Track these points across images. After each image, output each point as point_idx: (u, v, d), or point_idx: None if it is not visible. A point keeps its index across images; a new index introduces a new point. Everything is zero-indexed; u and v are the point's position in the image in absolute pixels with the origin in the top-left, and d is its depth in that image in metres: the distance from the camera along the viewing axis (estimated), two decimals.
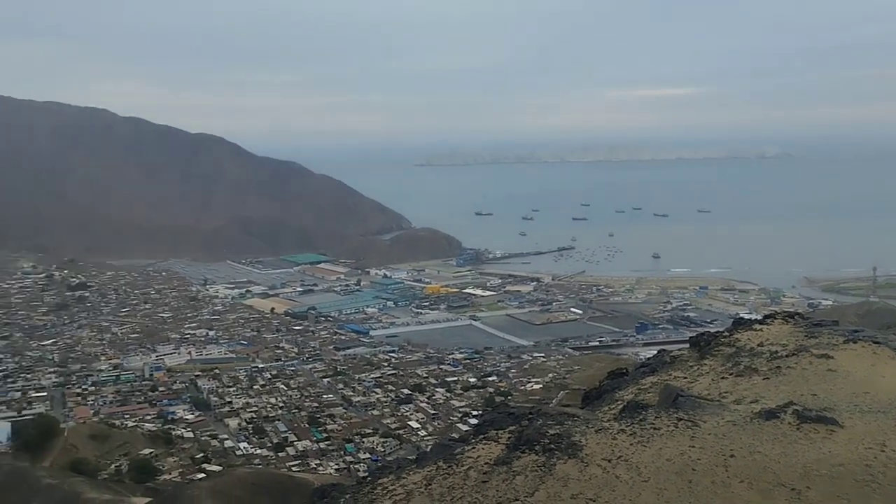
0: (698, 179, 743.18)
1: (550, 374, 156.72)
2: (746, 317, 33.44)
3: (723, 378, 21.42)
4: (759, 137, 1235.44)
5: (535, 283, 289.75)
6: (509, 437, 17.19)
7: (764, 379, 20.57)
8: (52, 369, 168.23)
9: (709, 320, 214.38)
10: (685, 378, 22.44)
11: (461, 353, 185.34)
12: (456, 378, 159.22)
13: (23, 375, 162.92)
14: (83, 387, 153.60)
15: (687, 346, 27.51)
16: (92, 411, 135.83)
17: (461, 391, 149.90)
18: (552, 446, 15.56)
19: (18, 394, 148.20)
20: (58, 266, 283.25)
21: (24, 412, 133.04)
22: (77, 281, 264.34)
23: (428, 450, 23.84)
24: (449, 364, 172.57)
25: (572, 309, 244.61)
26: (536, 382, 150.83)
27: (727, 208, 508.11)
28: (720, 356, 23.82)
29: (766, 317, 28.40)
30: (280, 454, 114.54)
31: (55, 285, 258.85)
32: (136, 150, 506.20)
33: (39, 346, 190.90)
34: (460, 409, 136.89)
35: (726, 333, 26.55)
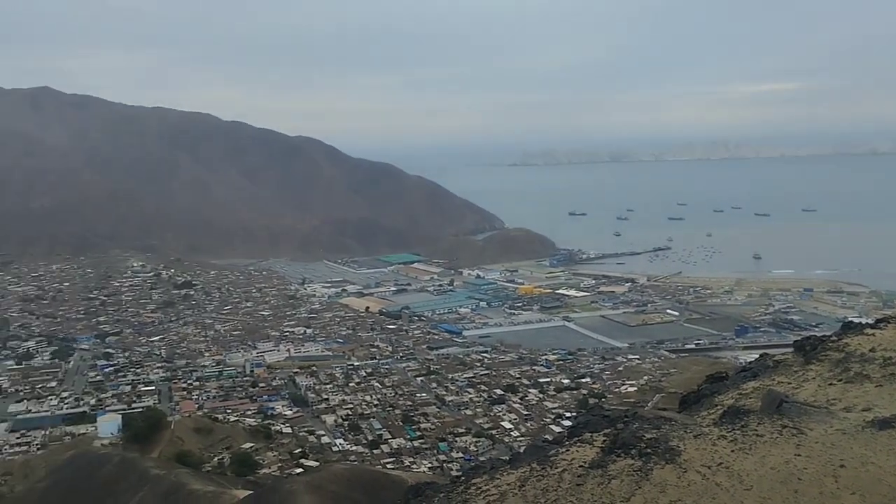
0: (803, 177, 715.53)
1: (645, 377, 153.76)
2: (856, 321, 31.82)
3: (830, 384, 20.48)
4: (870, 133, 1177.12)
5: (629, 283, 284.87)
6: (604, 441, 16.93)
7: (877, 386, 19.54)
8: (159, 364, 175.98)
9: (814, 324, 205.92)
10: (789, 384, 21.57)
11: (554, 354, 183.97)
12: (549, 379, 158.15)
13: (132, 370, 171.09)
14: (188, 381, 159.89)
15: (791, 350, 26.43)
16: (196, 405, 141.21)
17: (554, 392, 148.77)
18: (649, 451, 15.23)
19: (129, 387, 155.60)
20: (165, 265, 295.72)
21: (133, 405, 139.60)
22: (183, 279, 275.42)
23: (521, 451, 23.72)
24: (542, 365, 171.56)
25: (668, 310, 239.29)
26: (631, 385, 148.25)
27: (834, 207, 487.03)
28: (828, 361, 22.77)
29: (878, 321, 26.94)
30: (375, 451, 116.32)
31: (162, 284, 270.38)
32: (237, 152, 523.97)
33: (148, 342, 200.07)
34: (553, 411, 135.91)
35: (834, 337, 25.35)
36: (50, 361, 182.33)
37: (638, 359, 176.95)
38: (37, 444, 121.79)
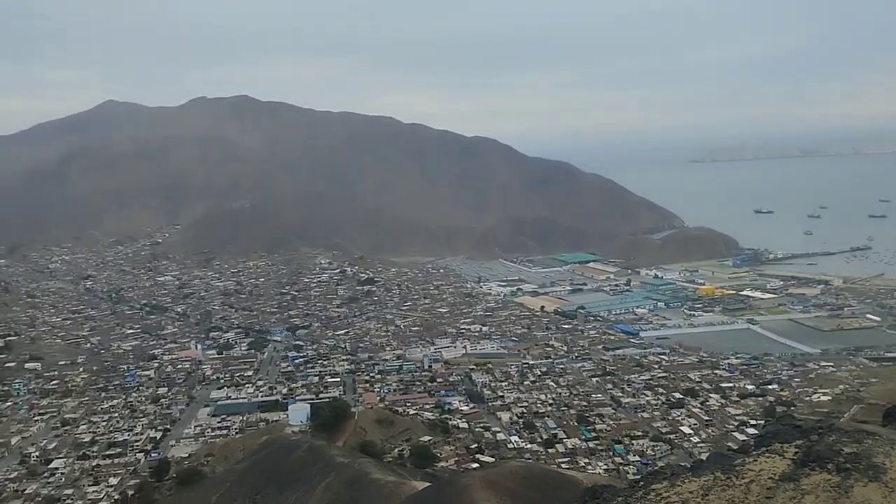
0: None
1: (841, 386, 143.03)
2: None
3: None
4: None
5: (822, 285, 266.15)
6: (796, 452, 16.05)
7: None
8: (344, 357, 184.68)
9: None
10: None
11: (738, 358, 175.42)
12: (732, 384, 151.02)
13: (320, 362, 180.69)
14: (371, 374, 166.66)
15: None
16: (378, 398, 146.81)
17: (737, 398, 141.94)
18: (848, 466, 14.30)
19: (316, 378, 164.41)
20: (350, 262, 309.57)
21: (320, 395, 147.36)
22: (366, 276, 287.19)
23: (704, 458, 22.91)
24: (724, 369, 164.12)
25: (868, 315, 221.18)
26: (824, 394, 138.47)
27: None
28: None
29: None
30: (549, 450, 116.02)
31: (347, 280, 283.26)
32: (417, 154, 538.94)
33: (334, 336, 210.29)
34: (736, 418, 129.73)
35: None
36: (247, 352, 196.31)
37: (832, 366, 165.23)
38: (235, 429, 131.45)
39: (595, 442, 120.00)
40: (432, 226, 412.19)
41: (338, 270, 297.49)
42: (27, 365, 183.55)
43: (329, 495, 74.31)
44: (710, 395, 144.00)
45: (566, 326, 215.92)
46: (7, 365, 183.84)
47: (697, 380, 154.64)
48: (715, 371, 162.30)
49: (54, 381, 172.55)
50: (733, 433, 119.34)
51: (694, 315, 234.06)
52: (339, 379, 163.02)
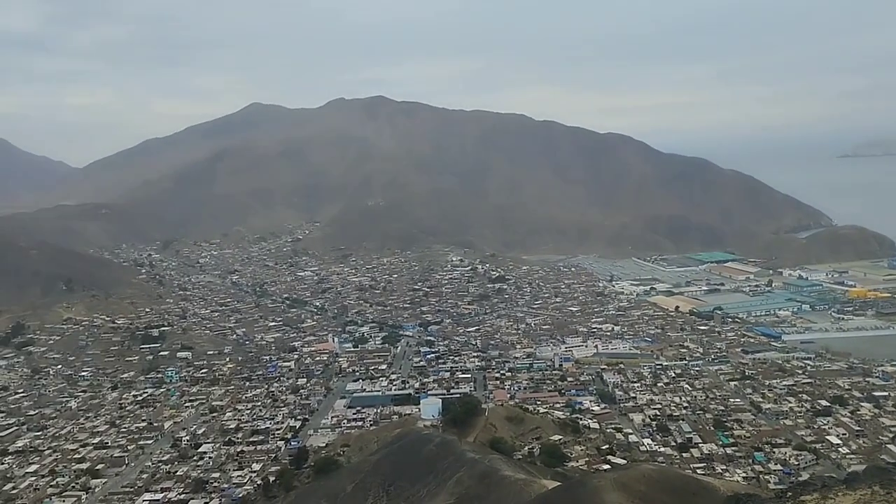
0: None
1: None
2: None
3: None
4: None
5: None
6: None
7: None
8: (474, 354, 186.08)
9: None
10: None
11: (893, 365, 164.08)
12: (886, 393, 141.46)
13: (451, 357, 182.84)
14: (501, 372, 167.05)
15: None
16: (508, 395, 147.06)
17: (893, 408, 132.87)
18: None
19: (447, 374, 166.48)
20: (481, 260, 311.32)
21: (451, 391, 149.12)
22: (497, 274, 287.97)
23: (860, 471, 21.72)
24: (877, 377, 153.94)
25: None
26: None
27: None
28: None
29: None
30: (684, 455, 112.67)
31: (478, 277, 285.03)
32: (548, 151, 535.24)
33: (465, 332, 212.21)
34: (892, 429, 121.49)
35: None
36: (381, 346, 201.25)
37: None
38: (370, 420, 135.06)
39: (733, 448, 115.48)
40: (564, 223, 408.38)
41: (469, 268, 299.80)
42: (179, 354, 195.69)
43: (460, 489, 75.12)
44: (862, 403, 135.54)
45: (702, 328, 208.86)
46: (161, 354, 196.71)
47: (847, 387, 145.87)
48: (867, 379, 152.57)
49: (203, 370, 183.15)
50: (888, 446, 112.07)
51: (843, 319, 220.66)
52: (469, 375, 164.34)
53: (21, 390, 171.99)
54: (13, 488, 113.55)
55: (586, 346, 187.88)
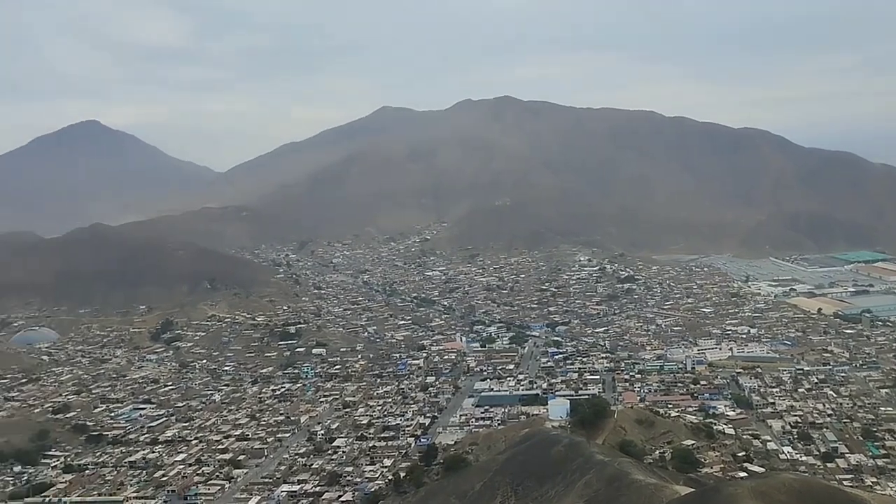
0: None
1: None
2: None
3: None
4: None
5: None
6: None
7: None
8: (603, 355, 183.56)
9: None
10: None
11: None
12: None
13: (579, 358, 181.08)
14: (630, 373, 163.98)
15: None
16: (638, 397, 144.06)
17: None
18: None
19: (575, 374, 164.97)
20: (609, 259, 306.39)
21: (580, 392, 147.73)
22: (626, 274, 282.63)
23: None
24: None
25: None
26: None
27: None
28: None
29: None
30: (828, 465, 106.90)
31: (607, 277, 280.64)
32: (679, 148, 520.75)
33: (593, 333, 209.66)
34: None
35: None
36: (508, 346, 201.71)
37: None
38: (497, 420, 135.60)
39: (885, 460, 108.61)
40: (696, 222, 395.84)
41: (597, 267, 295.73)
42: (314, 350, 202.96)
43: (589, 492, 74.45)
44: None
45: (848, 331, 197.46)
46: (297, 350, 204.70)
47: None
48: None
49: (336, 366, 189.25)
50: None
51: None
52: (598, 376, 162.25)
53: (170, 383, 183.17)
54: (163, 475, 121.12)
55: (720, 349, 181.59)
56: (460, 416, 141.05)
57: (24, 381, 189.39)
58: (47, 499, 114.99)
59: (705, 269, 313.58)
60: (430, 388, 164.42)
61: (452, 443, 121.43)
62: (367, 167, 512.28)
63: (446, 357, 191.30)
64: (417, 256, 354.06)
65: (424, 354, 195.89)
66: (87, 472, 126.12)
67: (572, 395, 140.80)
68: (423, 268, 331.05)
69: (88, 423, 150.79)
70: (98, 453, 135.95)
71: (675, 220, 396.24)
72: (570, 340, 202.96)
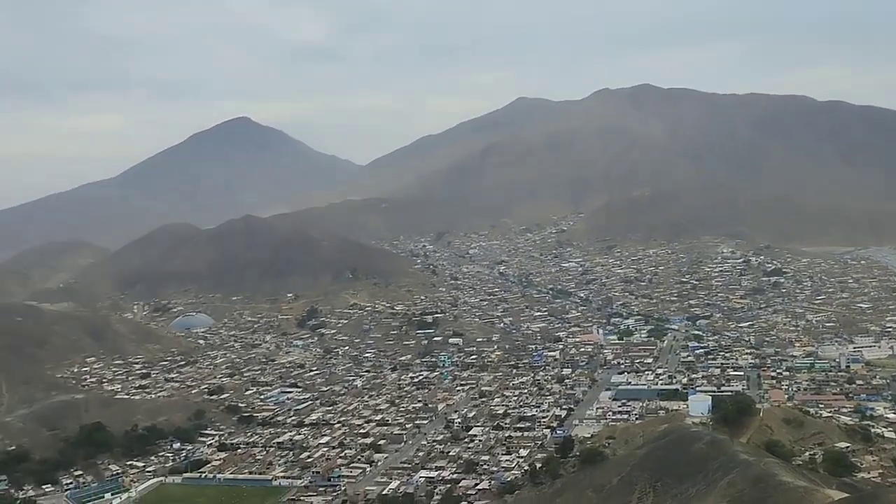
0: None
1: None
2: None
3: None
4: None
5: None
6: None
7: None
8: (747, 350, 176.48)
9: None
10: None
11: None
12: None
13: (721, 353, 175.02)
14: (777, 371, 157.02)
15: None
16: (786, 396, 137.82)
17: None
18: None
19: (717, 370, 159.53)
20: (754, 251, 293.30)
21: (722, 388, 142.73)
22: (772, 267, 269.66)
23: None
24: None
25: None
26: None
27: None
28: None
29: None
30: None
31: (752, 270, 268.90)
32: (833, 134, 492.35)
33: (737, 328, 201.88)
34: None
35: None
36: (646, 339, 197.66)
37: None
38: (635, 414, 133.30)
39: None
40: (851, 212, 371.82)
41: (741, 260, 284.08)
42: (451, 340, 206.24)
43: (732, 492, 72.23)
44: None
45: None
46: (435, 339, 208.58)
47: None
48: None
49: (473, 356, 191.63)
50: None
51: None
52: (742, 373, 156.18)
53: (315, 368, 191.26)
54: (308, 457, 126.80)
55: (879, 347, 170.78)
56: (597, 408, 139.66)
57: (182, 363, 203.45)
58: (203, 475, 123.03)
59: (862, 262, 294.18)
60: (566, 380, 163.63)
61: (589, 435, 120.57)
62: (504, 158, 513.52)
63: (583, 349, 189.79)
64: (554, 247, 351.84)
65: (560, 346, 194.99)
66: (239, 450, 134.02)
67: (714, 392, 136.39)
68: (559, 259, 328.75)
69: (240, 405, 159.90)
70: (249, 433, 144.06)
71: (828, 211, 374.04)
72: (712, 335, 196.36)
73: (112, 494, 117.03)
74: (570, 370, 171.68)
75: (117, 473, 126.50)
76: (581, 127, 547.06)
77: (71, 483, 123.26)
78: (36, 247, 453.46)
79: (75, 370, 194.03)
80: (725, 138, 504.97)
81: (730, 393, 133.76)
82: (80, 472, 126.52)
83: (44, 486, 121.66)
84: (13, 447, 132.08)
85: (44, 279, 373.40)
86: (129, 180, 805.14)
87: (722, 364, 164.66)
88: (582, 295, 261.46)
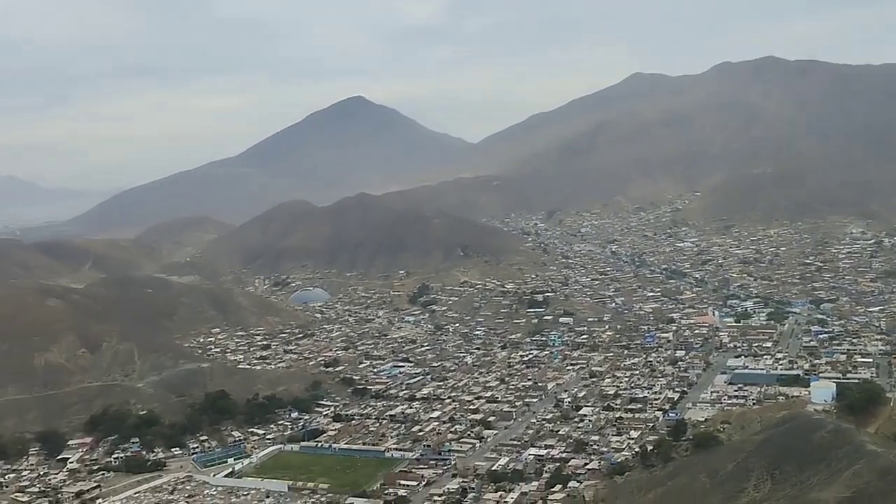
0: None
1: None
2: None
3: None
4: None
5: None
6: None
7: None
8: (877, 336, 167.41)
9: None
10: None
11: None
12: None
13: (848, 339, 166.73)
14: None
15: None
16: None
17: None
18: None
19: (843, 356, 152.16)
20: (887, 232, 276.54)
21: (848, 375, 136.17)
22: None
23: None
24: None
25: None
26: None
27: None
28: None
29: None
30: None
31: (884, 252, 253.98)
32: None
33: (865, 312, 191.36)
34: None
35: None
36: (765, 322, 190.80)
37: None
38: (752, 399, 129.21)
39: None
40: None
41: (872, 241, 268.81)
42: (561, 319, 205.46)
43: (857, 483, 69.39)
44: None
45: None
46: (545, 318, 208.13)
47: None
48: None
49: (583, 336, 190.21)
50: None
51: None
52: (870, 360, 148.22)
53: (426, 344, 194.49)
54: (420, 430, 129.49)
55: None
56: (711, 392, 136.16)
57: (300, 336, 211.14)
58: (319, 444, 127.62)
59: None
60: (680, 363, 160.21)
61: (703, 419, 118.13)
62: (617, 135, 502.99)
63: (697, 331, 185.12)
64: (668, 227, 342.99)
65: (674, 327, 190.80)
66: (353, 421, 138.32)
67: (839, 379, 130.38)
68: (673, 239, 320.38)
69: (354, 377, 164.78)
70: (363, 405, 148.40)
71: None
72: (838, 319, 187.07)
73: (235, 459, 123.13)
74: (684, 352, 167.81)
75: (239, 440, 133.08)
76: (699, 102, 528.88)
77: (197, 447, 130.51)
78: (165, 222, 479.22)
79: (201, 340, 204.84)
80: (857, 112, 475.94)
81: (857, 380, 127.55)
82: (205, 437, 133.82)
83: (172, 450, 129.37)
84: (144, 412, 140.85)
85: (171, 253, 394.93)
86: (250, 158, 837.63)
87: (848, 350, 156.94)
88: (697, 276, 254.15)
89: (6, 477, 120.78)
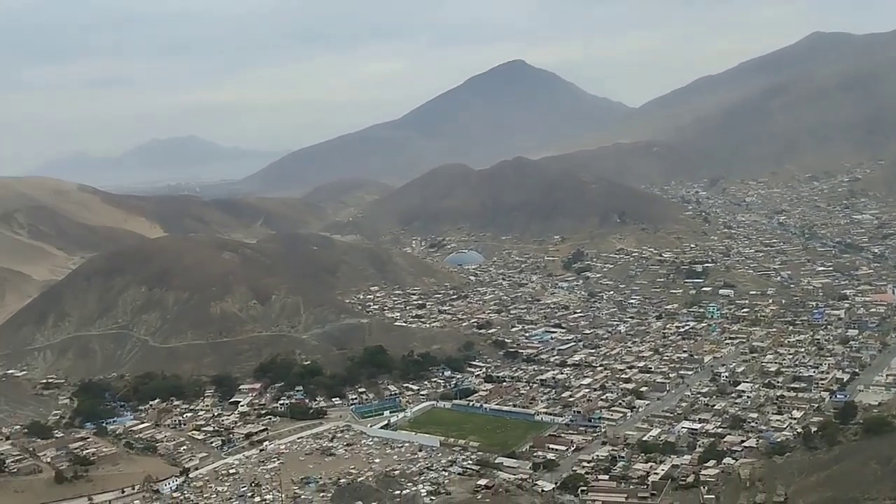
0: None
1: None
2: None
3: None
4: None
5: None
6: None
7: None
8: None
9: None
10: None
11: None
12: None
13: None
14: None
15: None
16: None
17: None
18: None
19: None
20: None
21: None
22: None
23: None
24: None
25: None
26: None
27: None
28: None
29: None
30: None
31: None
32: None
33: None
34: None
35: None
36: None
37: None
38: None
39: None
40: None
41: None
42: (721, 291, 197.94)
43: None
44: None
45: None
46: (703, 289, 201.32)
47: None
48: None
49: (745, 309, 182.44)
50: None
51: None
52: None
53: (579, 311, 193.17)
54: (570, 396, 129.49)
55: None
56: (887, 375, 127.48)
57: (454, 297, 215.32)
58: (471, 403, 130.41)
59: None
60: (852, 342, 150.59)
61: (876, 403, 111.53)
62: (791, 99, 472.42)
63: (873, 310, 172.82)
64: (844, 197, 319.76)
65: (847, 305, 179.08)
66: (504, 383, 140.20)
67: None
68: (850, 210, 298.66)
69: (506, 340, 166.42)
70: (514, 368, 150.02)
71: None
72: None
73: (390, 412, 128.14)
74: (857, 331, 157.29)
75: (395, 394, 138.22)
76: (888, 63, 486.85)
77: (355, 398, 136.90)
78: (329, 183, 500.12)
79: (361, 297, 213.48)
80: None
81: None
82: (363, 390, 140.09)
83: (333, 399, 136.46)
84: (308, 362, 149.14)
85: (336, 212, 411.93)
86: (410, 122, 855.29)
87: None
88: (876, 251, 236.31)
89: (184, 416, 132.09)
